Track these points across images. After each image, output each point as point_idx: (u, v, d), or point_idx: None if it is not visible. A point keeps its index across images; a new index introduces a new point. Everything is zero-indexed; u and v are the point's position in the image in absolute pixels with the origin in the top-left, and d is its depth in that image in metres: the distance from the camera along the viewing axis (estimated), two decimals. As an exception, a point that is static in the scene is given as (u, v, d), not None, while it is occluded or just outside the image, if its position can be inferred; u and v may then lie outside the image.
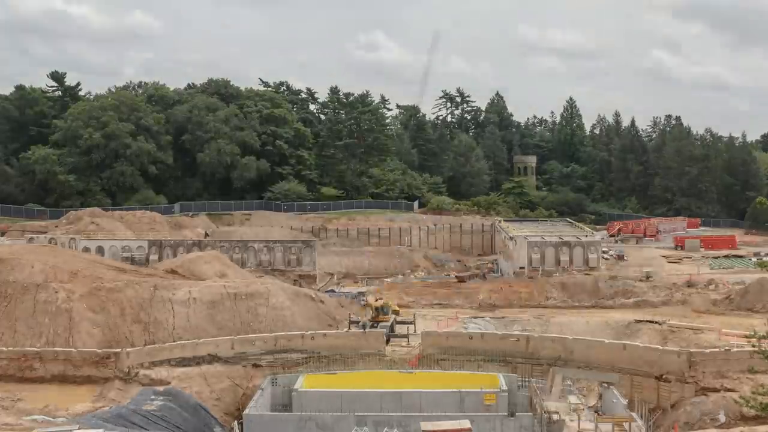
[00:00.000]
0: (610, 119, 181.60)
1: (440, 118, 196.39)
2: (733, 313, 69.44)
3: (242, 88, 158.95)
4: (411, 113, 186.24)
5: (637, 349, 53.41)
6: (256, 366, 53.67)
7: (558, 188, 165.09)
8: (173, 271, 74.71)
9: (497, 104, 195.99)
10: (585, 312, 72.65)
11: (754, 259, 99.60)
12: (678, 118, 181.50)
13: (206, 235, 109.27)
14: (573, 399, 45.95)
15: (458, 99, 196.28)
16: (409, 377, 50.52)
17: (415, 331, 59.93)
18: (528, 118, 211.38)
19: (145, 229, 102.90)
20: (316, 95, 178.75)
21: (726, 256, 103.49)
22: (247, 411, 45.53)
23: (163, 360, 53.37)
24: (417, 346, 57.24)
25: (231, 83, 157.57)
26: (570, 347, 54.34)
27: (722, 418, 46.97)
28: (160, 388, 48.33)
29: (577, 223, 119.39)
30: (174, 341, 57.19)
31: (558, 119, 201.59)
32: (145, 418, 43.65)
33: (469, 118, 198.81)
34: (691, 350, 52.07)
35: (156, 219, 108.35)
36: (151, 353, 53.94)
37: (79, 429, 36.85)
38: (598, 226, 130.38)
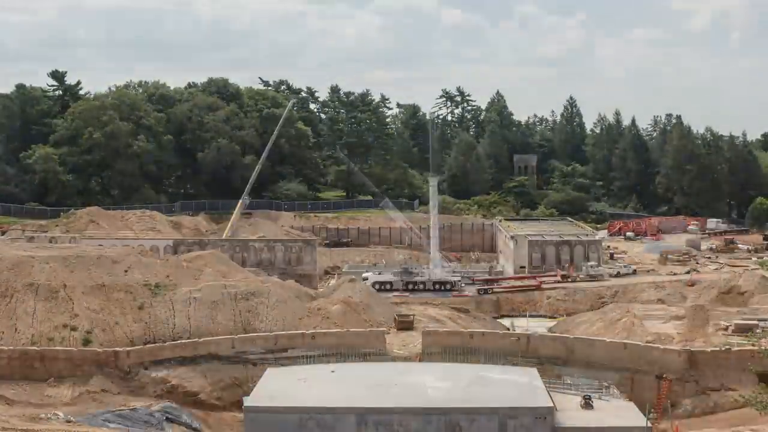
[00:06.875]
0: (611, 118, 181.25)
1: (440, 117, 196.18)
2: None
3: (242, 87, 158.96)
4: (411, 112, 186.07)
5: (638, 348, 53.41)
6: (256, 365, 53.64)
7: (559, 187, 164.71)
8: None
9: (498, 103, 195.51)
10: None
11: (753, 259, 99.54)
12: (678, 117, 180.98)
13: (207, 234, 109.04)
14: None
15: (458, 98, 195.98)
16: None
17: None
18: (529, 117, 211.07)
19: (145, 228, 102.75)
20: (316, 94, 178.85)
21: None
22: (246, 403, 44.72)
23: (163, 359, 53.40)
24: (418, 345, 57.23)
25: (231, 82, 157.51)
26: (570, 346, 54.34)
27: (723, 416, 47.03)
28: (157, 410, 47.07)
29: (577, 223, 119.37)
30: (174, 340, 57.19)
31: (558, 118, 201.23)
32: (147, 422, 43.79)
33: (469, 117, 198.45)
34: (692, 349, 52.08)
35: (156, 218, 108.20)
36: (152, 352, 53.97)
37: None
38: (599, 225, 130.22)
